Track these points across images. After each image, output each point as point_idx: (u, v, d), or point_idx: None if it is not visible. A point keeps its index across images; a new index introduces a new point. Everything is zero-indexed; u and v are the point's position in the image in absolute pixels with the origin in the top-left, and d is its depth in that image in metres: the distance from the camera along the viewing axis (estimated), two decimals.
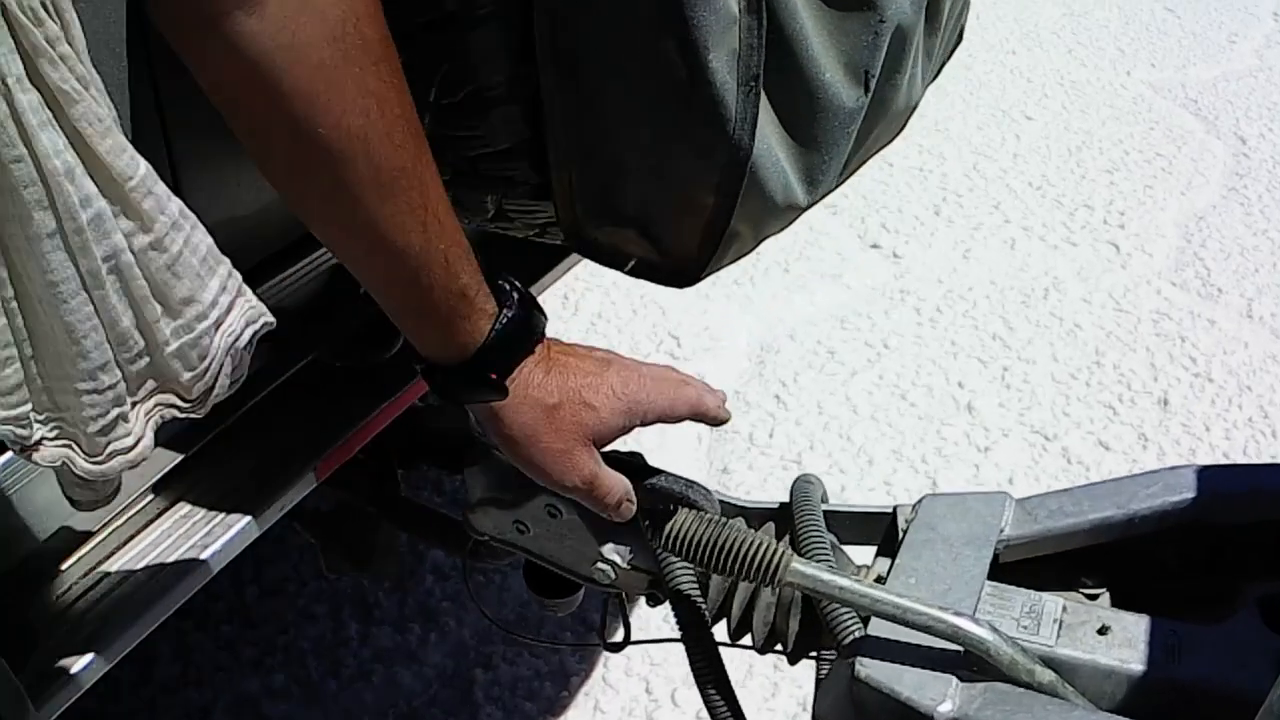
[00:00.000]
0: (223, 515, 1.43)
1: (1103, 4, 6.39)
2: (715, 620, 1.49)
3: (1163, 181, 4.40)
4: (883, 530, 1.52)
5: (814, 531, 1.41)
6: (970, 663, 1.25)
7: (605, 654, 2.50)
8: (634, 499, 1.29)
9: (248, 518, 1.43)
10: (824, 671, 1.39)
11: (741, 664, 2.40)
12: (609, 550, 1.46)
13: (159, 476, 1.43)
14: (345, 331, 1.66)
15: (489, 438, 1.22)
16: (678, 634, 1.44)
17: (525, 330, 1.12)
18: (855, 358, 3.41)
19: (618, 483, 1.25)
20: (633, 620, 2.24)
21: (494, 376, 1.09)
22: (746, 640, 1.48)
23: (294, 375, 1.60)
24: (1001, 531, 1.43)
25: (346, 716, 2.39)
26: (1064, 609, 1.33)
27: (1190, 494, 1.40)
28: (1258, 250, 3.91)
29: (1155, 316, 3.58)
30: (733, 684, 1.41)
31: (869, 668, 1.24)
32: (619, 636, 1.66)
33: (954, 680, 1.22)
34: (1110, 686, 1.25)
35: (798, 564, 1.26)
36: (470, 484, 1.56)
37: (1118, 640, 1.28)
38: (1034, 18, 6.22)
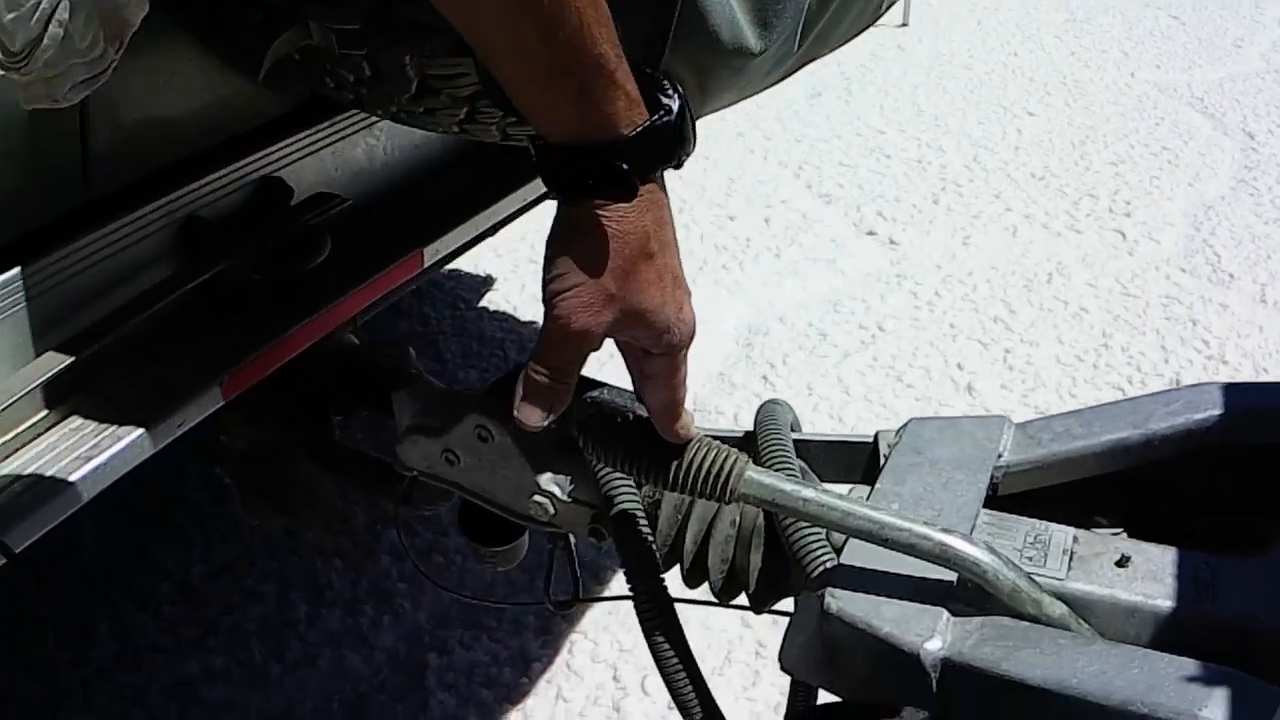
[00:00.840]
0: (115, 427, 1.25)
1: (1106, 11, 6.27)
2: (668, 564, 1.30)
3: (1169, 174, 4.24)
4: (863, 464, 1.33)
5: (780, 453, 1.22)
6: (964, 596, 1.06)
7: (570, 639, 2.31)
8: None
9: (140, 430, 1.25)
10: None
11: (719, 649, 2.21)
12: (546, 480, 1.28)
13: (48, 381, 1.25)
14: (265, 242, 1.49)
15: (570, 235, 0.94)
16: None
17: (675, 139, 0.95)
18: (848, 340, 3.23)
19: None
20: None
21: (626, 168, 0.90)
22: (707, 596, 1.29)
23: (206, 285, 1.42)
24: (999, 456, 1.24)
25: (289, 702, 2.20)
26: (1075, 539, 1.13)
27: (1216, 411, 1.21)
28: (1270, 238, 3.74)
29: (1165, 301, 3.40)
30: (703, 668, 1.21)
31: (842, 600, 1.04)
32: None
33: (944, 613, 1.03)
34: (1132, 626, 1.05)
35: (753, 473, 1.07)
36: (398, 412, 1.40)
37: (1140, 573, 1.08)
38: (1036, 23, 6.09)
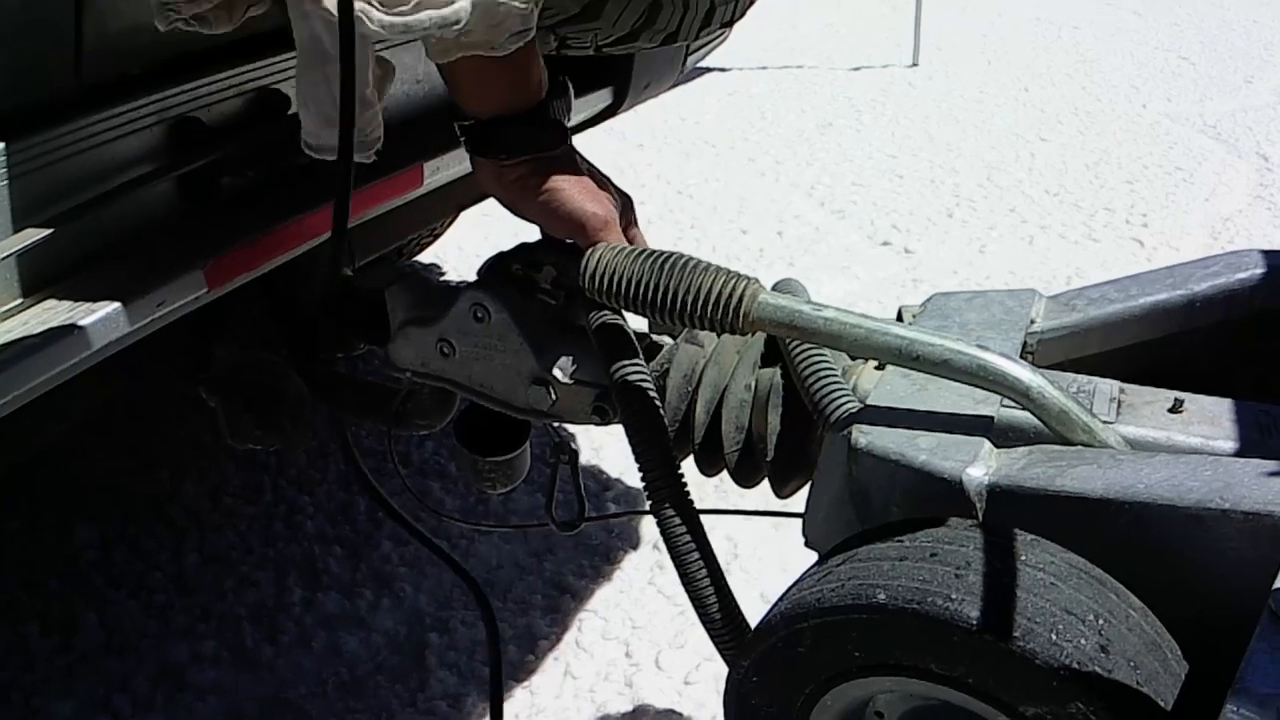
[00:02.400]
0: (91, 302, 1.18)
1: (1115, 52, 6.26)
2: (679, 445, 1.21)
3: (1184, 190, 4.18)
4: None
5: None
6: (1005, 432, 0.98)
7: (580, 616, 2.20)
8: None
9: (116, 304, 1.17)
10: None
11: None
12: (547, 362, 1.20)
13: (27, 255, 1.18)
14: (259, 138, 1.42)
15: (512, 190, 1.19)
16: (644, 506, 1.14)
17: (570, 97, 1.25)
18: None
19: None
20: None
21: (560, 119, 1.21)
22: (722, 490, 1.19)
23: (199, 181, 1.36)
24: (1032, 323, 1.15)
25: (280, 684, 2.09)
26: (1122, 390, 1.04)
27: (1259, 271, 1.13)
28: None
29: None
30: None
31: (871, 434, 0.96)
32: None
33: (985, 442, 0.94)
34: None
35: (767, 295, 0.99)
36: (391, 309, 1.33)
37: (1195, 418, 0.99)
38: (1045, 62, 6.08)
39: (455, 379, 1.29)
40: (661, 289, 1.01)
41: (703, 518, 1.13)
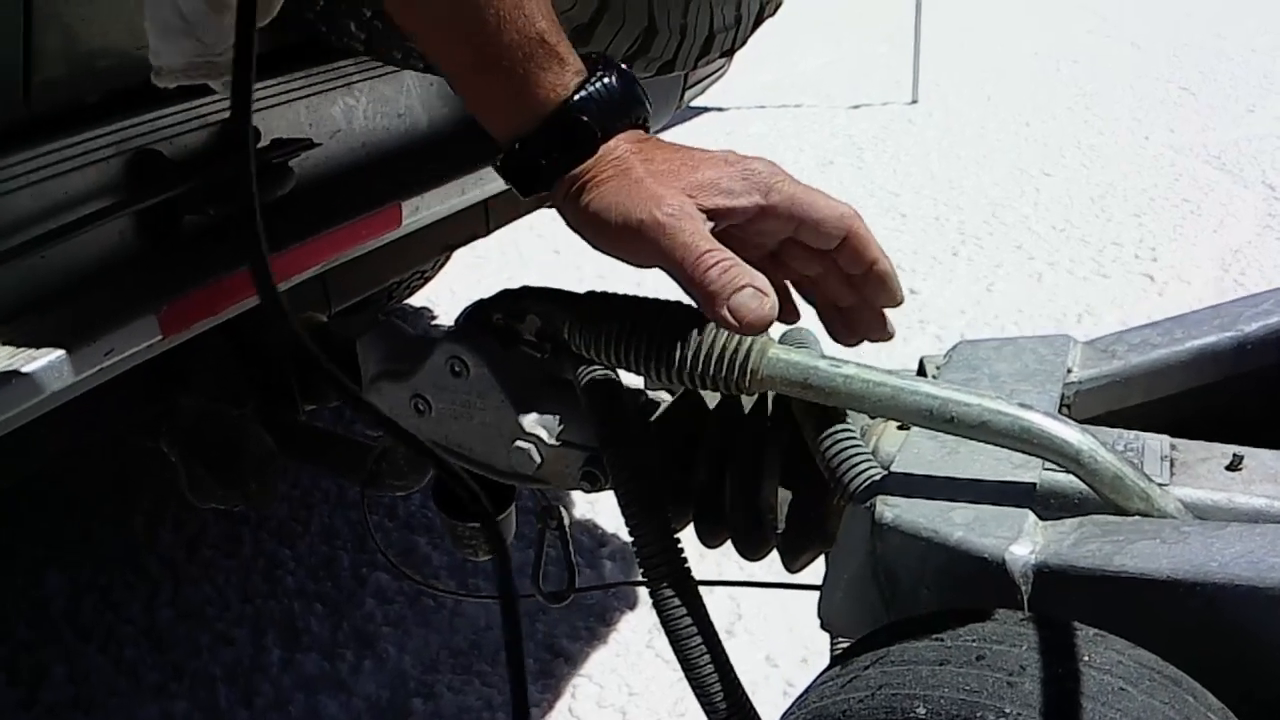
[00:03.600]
0: (33, 349, 1.07)
1: (1116, 85, 6.20)
2: (678, 513, 1.09)
3: (1192, 222, 4.08)
4: None
5: None
6: (1051, 501, 0.86)
7: (574, 682, 2.07)
8: (757, 278, 0.85)
9: (60, 352, 1.07)
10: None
11: None
12: (530, 421, 1.08)
13: None
14: (222, 174, 1.32)
15: (569, 219, 0.92)
16: (640, 579, 1.02)
17: (626, 97, 0.92)
18: None
19: (714, 241, 0.86)
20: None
21: (584, 119, 0.88)
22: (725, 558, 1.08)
23: (156, 218, 1.26)
24: (1069, 372, 1.04)
25: None
26: (1173, 446, 0.93)
27: None
28: None
29: None
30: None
31: (898, 508, 0.84)
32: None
33: (1029, 514, 0.82)
34: None
35: (779, 350, 0.87)
36: (363, 361, 1.21)
37: (1257, 475, 0.88)
38: (1046, 97, 6.01)
39: (433, 439, 1.18)
40: (658, 346, 0.89)
41: (705, 587, 1.01)
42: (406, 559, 2.41)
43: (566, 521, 1.26)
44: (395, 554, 2.42)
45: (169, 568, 2.39)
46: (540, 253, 3.95)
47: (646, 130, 0.93)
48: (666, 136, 4.04)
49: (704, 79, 2.17)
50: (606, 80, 0.90)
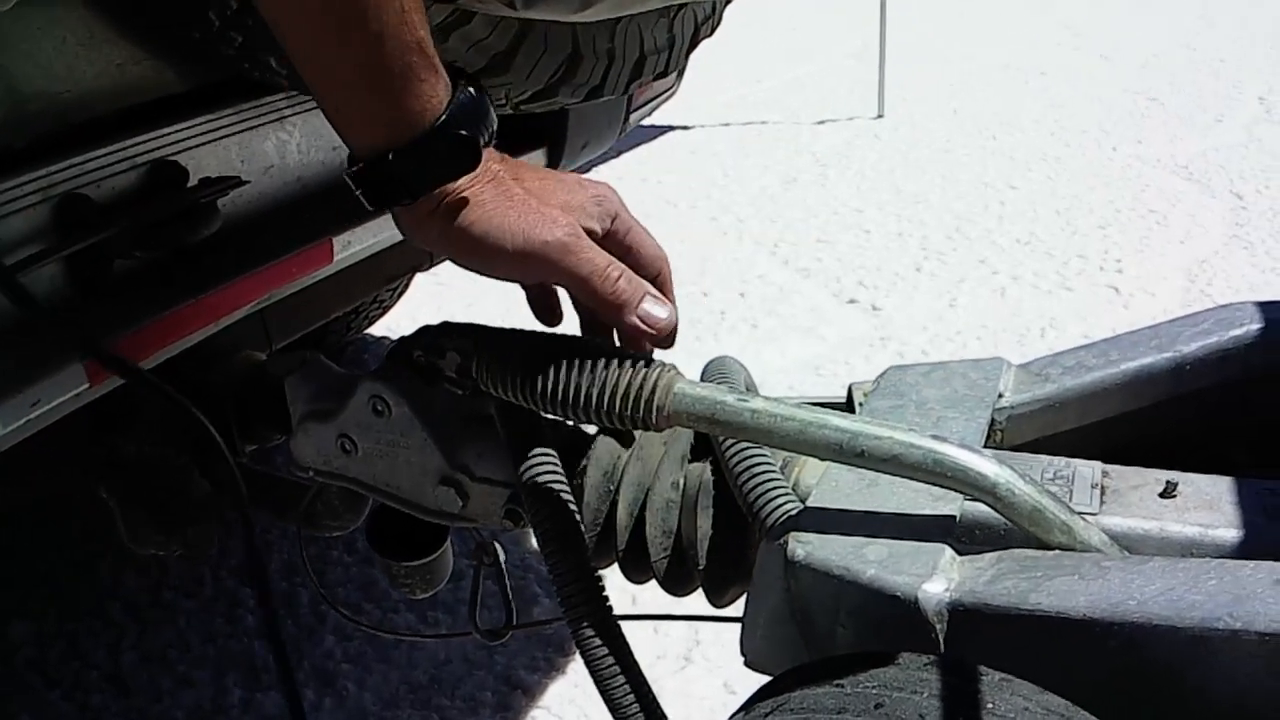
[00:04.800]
0: None
1: (1083, 97, 6.21)
2: (601, 553, 1.08)
3: (1159, 234, 4.08)
4: None
5: None
6: (970, 534, 0.85)
7: (532, 714, 2.05)
8: (648, 285, 0.94)
9: None
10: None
11: None
12: (454, 460, 1.08)
13: None
14: (148, 217, 1.30)
15: (433, 234, 0.90)
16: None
17: (486, 110, 0.91)
18: None
19: (608, 256, 0.92)
20: None
21: (465, 133, 0.87)
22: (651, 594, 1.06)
23: (82, 263, 1.23)
24: (1000, 396, 1.03)
25: None
26: (1105, 473, 0.91)
27: (1256, 326, 1.00)
28: (1268, 286, 3.56)
29: None
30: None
31: (811, 545, 0.82)
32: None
33: (945, 549, 0.81)
34: None
35: (687, 385, 0.86)
36: (291, 402, 1.21)
37: (1191, 502, 0.86)
38: (1013, 109, 6.02)
39: (360, 478, 1.16)
40: (563, 384, 0.88)
41: (643, 618, 0.99)
42: (367, 592, 2.39)
43: (502, 558, 1.24)
44: (355, 588, 2.40)
45: (133, 612, 2.37)
46: None
47: (491, 142, 0.93)
48: (633, 157, 4.05)
49: (651, 100, 2.15)
50: (470, 91, 0.89)
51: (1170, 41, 7.62)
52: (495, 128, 0.92)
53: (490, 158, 0.90)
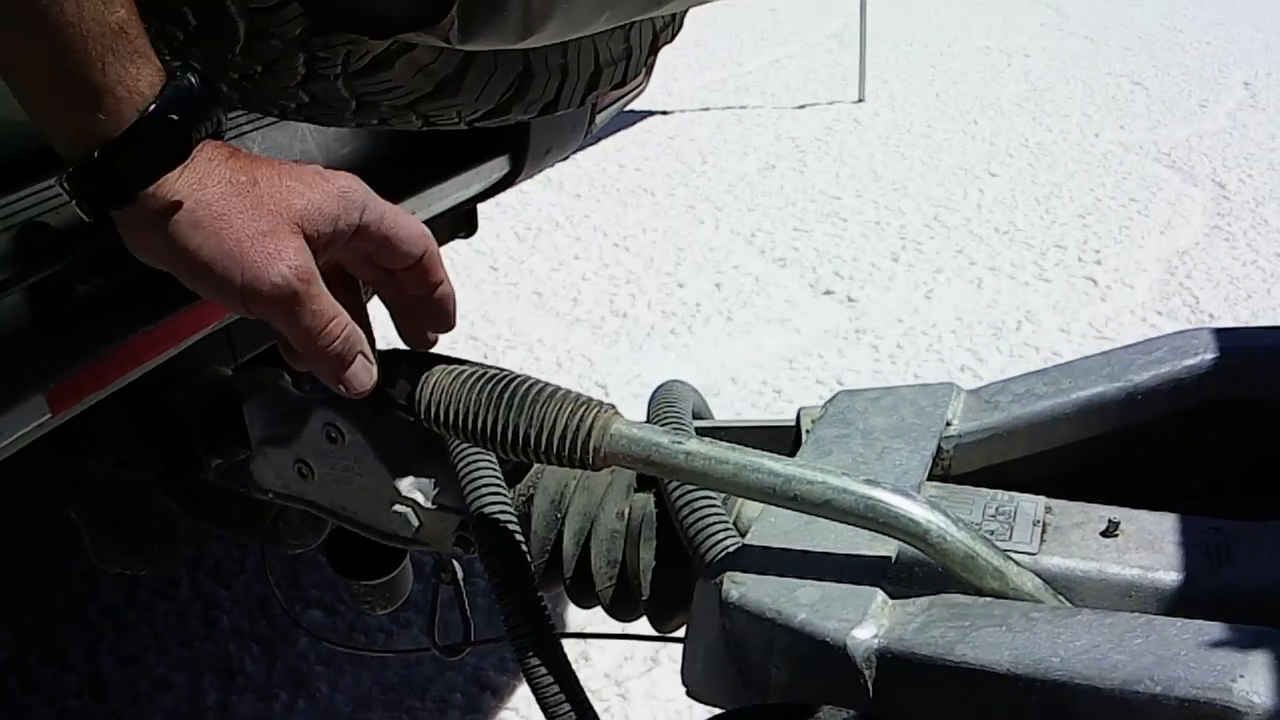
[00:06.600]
0: None
1: (1067, 80, 6.21)
2: (549, 579, 1.09)
3: (1139, 223, 4.09)
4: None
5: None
6: (904, 576, 0.85)
7: (501, 714, 2.07)
8: (363, 341, 0.90)
9: None
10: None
11: None
12: (407, 486, 1.08)
13: None
14: (105, 243, 1.29)
15: (159, 249, 0.82)
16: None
17: (210, 98, 0.84)
18: (805, 396, 3.03)
19: (336, 306, 0.87)
20: None
21: (175, 118, 0.79)
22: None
23: (40, 292, 1.23)
24: (948, 425, 1.03)
25: None
26: (1048, 509, 0.92)
27: (1210, 356, 1.01)
28: (1248, 279, 3.58)
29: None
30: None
31: (745, 586, 0.83)
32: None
33: (877, 594, 0.81)
34: (1129, 607, 0.83)
35: (623, 425, 0.86)
36: (250, 426, 1.21)
37: (1133, 543, 0.87)
38: (995, 93, 6.02)
39: (317, 501, 1.17)
40: (500, 423, 0.88)
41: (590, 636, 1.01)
42: (341, 593, 2.40)
43: (460, 575, 1.25)
44: (328, 589, 2.41)
45: (110, 615, 2.38)
46: (478, 268, 3.94)
47: (221, 137, 0.85)
48: (612, 144, 4.02)
49: (618, 100, 2.14)
50: (190, 78, 0.82)
51: (1156, 24, 7.62)
52: (222, 121, 0.85)
53: (215, 155, 0.83)
